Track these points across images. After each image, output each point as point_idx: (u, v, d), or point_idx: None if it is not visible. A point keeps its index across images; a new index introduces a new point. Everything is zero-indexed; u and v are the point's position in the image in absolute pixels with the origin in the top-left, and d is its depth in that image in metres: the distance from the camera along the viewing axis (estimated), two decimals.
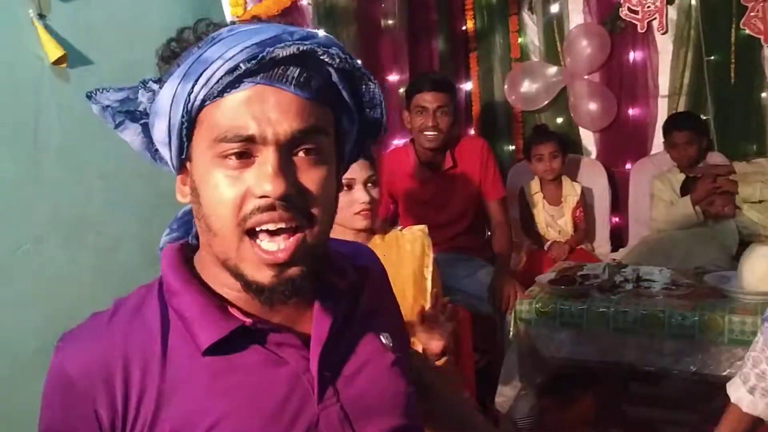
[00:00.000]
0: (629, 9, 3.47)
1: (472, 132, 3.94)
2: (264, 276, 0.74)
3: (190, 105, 0.73)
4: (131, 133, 0.83)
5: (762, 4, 3.25)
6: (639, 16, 3.47)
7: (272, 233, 0.73)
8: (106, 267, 1.98)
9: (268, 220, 0.73)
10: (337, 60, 0.75)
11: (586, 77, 3.66)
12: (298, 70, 0.73)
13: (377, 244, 1.73)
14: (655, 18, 3.45)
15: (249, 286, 0.76)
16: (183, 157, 0.78)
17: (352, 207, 1.65)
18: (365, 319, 0.90)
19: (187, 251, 0.85)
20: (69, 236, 1.88)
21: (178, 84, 0.74)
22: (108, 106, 0.81)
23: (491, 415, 2.89)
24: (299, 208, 0.74)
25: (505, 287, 2.58)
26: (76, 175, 1.91)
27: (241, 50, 0.71)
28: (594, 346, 2.29)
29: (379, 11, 2.98)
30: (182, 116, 0.74)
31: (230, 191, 0.73)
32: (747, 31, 3.29)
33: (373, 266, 0.99)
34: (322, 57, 0.74)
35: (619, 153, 3.68)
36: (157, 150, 0.81)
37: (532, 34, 3.85)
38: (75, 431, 0.76)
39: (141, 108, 0.80)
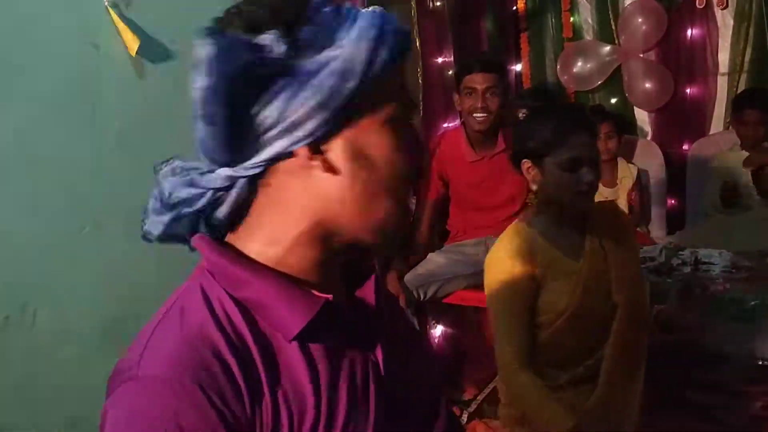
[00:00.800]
0: None
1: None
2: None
3: (382, 67, 0.71)
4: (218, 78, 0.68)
5: None
6: None
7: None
8: (163, 254, 2.02)
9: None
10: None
11: (641, 55, 3.58)
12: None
13: (596, 224, 1.73)
14: None
15: (389, 238, 0.80)
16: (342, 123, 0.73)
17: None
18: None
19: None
20: (128, 223, 1.92)
21: (373, 46, 0.70)
22: (226, 61, 0.68)
23: None
24: None
25: None
26: (135, 163, 1.94)
27: (400, 28, 0.74)
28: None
29: None
30: (377, 75, 0.71)
31: (404, 153, 0.77)
32: None
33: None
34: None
35: (676, 133, 3.59)
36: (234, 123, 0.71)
37: (585, 12, 3.78)
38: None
39: (275, 57, 0.69)
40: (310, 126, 0.70)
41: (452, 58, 3.07)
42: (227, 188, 0.75)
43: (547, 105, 1.64)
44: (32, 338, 1.69)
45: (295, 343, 0.73)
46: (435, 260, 2.83)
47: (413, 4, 2.80)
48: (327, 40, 0.71)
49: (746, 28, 3.34)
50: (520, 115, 2.96)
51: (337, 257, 0.79)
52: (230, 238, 0.80)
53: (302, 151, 0.71)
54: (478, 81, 2.70)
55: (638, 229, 3.28)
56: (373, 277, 0.85)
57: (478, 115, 2.72)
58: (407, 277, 2.71)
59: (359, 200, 0.75)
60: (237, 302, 0.74)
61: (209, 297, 0.74)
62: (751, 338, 2.10)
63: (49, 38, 1.76)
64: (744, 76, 3.38)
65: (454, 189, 2.95)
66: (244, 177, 0.73)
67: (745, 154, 3.11)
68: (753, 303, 2.08)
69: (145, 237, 0.81)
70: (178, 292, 0.78)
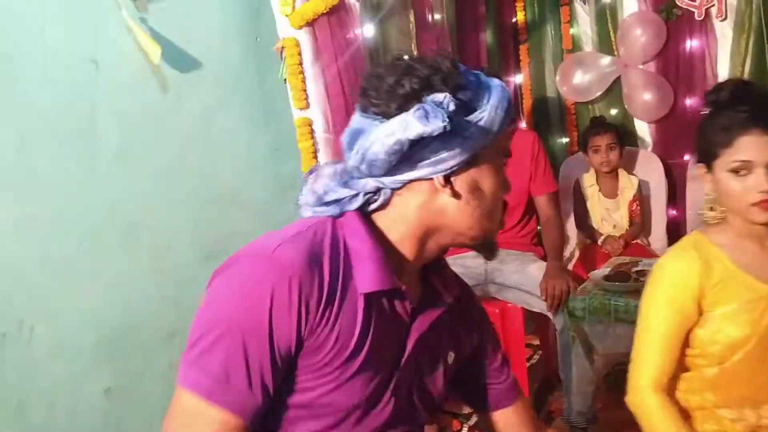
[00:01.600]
0: None
1: (523, 125, 3.90)
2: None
3: (501, 125, 1.00)
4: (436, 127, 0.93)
5: None
6: (696, 3, 3.36)
7: None
8: (161, 265, 2.03)
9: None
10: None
11: (641, 67, 3.57)
12: None
13: None
14: (714, 4, 3.33)
15: (485, 245, 1.08)
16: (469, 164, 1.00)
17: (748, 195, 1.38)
18: (447, 330, 1.13)
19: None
20: (126, 237, 1.93)
21: (496, 111, 0.98)
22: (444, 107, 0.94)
23: (546, 412, 2.86)
24: None
25: (557, 283, 2.53)
26: (132, 176, 1.96)
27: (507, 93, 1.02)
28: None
29: (426, 5, 2.96)
30: (498, 130, 1.00)
31: (505, 191, 1.07)
32: None
33: (466, 294, 1.23)
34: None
35: (676, 144, 3.57)
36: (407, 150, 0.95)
37: (584, 24, 3.78)
38: (281, 317, 0.91)
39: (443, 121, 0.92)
40: (451, 163, 0.97)
41: None
42: (374, 192, 1.01)
43: (730, 98, 1.41)
44: (29, 354, 1.69)
45: (363, 297, 0.97)
46: None
47: (411, 17, 2.80)
48: (476, 103, 0.98)
49: (745, 39, 3.33)
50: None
51: (428, 254, 1.06)
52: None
53: (439, 179, 0.98)
54: None
55: (638, 240, 3.27)
56: (430, 297, 1.10)
57: None
58: None
59: (470, 218, 1.02)
60: (347, 248, 0.98)
61: (336, 234, 0.99)
62: None
63: (48, 53, 1.77)
64: None
65: None
66: (388, 188, 1.00)
67: None
68: None
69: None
70: (308, 223, 1.00)
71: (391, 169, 0.97)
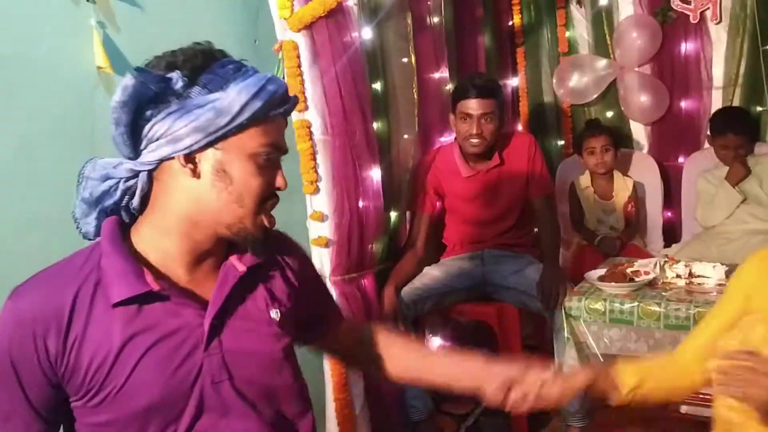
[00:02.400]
0: None
1: (519, 128, 3.92)
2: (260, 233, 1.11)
3: (254, 116, 1.03)
4: (127, 105, 1.01)
5: None
6: (691, 6, 3.41)
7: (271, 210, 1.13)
8: None
9: (273, 205, 1.13)
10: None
11: (636, 69, 3.60)
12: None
13: None
14: (708, 8, 3.38)
15: (246, 237, 1.10)
16: (209, 145, 1.04)
17: None
18: (261, 292, 1.16)
19: (120, 224, 1.10)
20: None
21: (250, 98, 1.02)
22: (137, 87, 0.99)
23: (542, 412, 2.88)
24: None
25: (553, 284, 2.56)
26: None
27: (284, 90, 1.08)
28: (646, 343, 2.26)
29: (424, 8, 2.98)
30: (245, 120, 1.03)
31: (263, 179, 1.09)
32: None
33: (286, 255, 1.26)
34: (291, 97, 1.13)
35: (671, 146, 3.61)
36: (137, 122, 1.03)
37: (580, 28, 3.82)
38: (23, 361, 1.01)
39: (175, 89, 1.01)
40: (188, 142, 1.02)
41: (448, 74, 3.09)
42: (133, 178, 1.06)
43: None
44: None
45: (118, 309, 1.02)
46: (431, 274, 2.84)
47: (409, 20, 2.82)
48: (219, 86, 1.02)
49: (740, 42, 3.36)
50: None
51: (201, 247, 1.10)
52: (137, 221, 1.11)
53: (180, 157, 1.03)
54: (473, 107, 2.70)
55: (634, 242, 3.30)
56: (224, 273, 1.12)
57: (473, 140, 2.74)
58: (404, 291, 2.72)
59: (217, 202, 1.06)
60: (100, 269, 1.04)
61: (91, 259, 1.06)
62: None
63: (50, 60, 1.79)
64: (738, 90, 3.40)
65: (449, 203, 2.97)
66: (142, 170, 1.05)
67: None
68: None
69: (86, 237, 1.12)
70: (71, 257, 1.09)
71: (134, 148, 1.04)
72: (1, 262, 1.69)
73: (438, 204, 2.98)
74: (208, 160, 1.05)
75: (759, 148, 3.22)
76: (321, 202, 2.35)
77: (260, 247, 1.13)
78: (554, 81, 3.80)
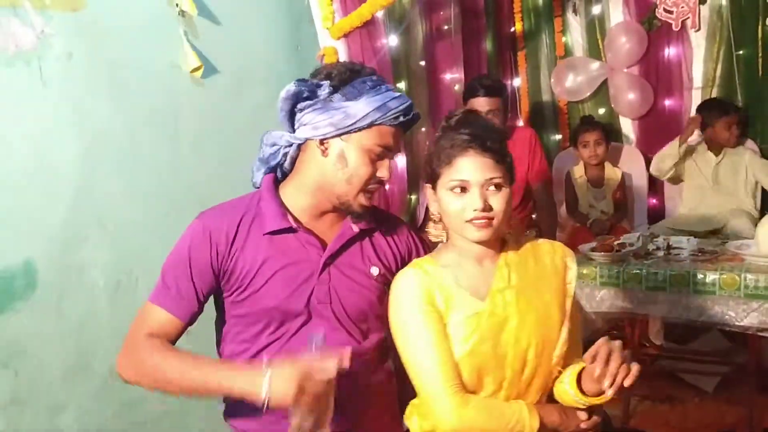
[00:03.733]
0: (664, 9, 3.81)
1: (521, 123, 4.33)
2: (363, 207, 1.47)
3: (372, 123, 1.38)
4: (287, 104, 1.43)
5: None
6: (674, 15, 3.81)
7: (373, 193, 1.48)
8: None
9: (375, 190, 1.47)
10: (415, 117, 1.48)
11: (625, 71, 4.02)
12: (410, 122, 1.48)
13: (509, 260, 1.46)
14: (689, 17, 3.79)
15: (347, 208, 1.45)
16: (338, 136, 1.40)
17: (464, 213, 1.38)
18: (367, 253, 1.51)
19: (275, 180, 1.50)
20: (200, 208, 2.35)
21: (372, 110, 1.38)
22: (296, 90, 1.39)
23: None
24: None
25: None
26: (204, 160, 2.37)
27: (404, 108, 1.41)
28: (629, 303, 2.66)
29: (438, 19, 3.40)
30: (365, 125, 1.39)
31: (369, 169, 1.43)
32: None
33: (394, 226, 1.59)
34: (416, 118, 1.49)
35: (655, 140, 3.99)
36: (291, 115, 1.43)
37: (575, 33, 4.22)
38: (202, 255, 1.41)
39: (317, 96, 1.39)
40: (324, 131, 1.39)
41: (459, 75, 3.50)
42: (289, 147, 1.45)
43: (456, 124, 1.45)
44: (135, 300, 2.11)
45: (266, 236, 1.42)
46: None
47: (425, 28, 3.24)
48: (354, 97, 1.38)
49: (716, 47, 3.78)
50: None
51: (323, 206, 1.46)
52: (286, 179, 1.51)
53: (316, 140, 1.41)
54: (481, 104, 3.10)
55: (622, 224, 3.72)
56: (343, 229, 1.48)
57: None
58: None
59: (334, 178, 1.42)
60: (258, 207, 1.44)
61: (254, 199, 1.46)
62: (711, 307, 2.51)
63: (147, 63, 2.19)
64: (715, 90, 3.81)
65: None
66: (294, 142, 1.44)
67: (712, 156, 3.56)
68: (713, 277, 2.50)
69: (255, 185, 1.53)
70: (242, 197, 1.50)
71: (291, 127, 1.44)
72: (113, 227, 2.09)
73: None
74: (335, 146, 1.41)
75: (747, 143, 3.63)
76: None
77: (359, 218, 1.47)
78: (552, 81, 4.21)
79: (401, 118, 1.41)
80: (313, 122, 1.40)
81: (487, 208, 1.36)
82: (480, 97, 3.10)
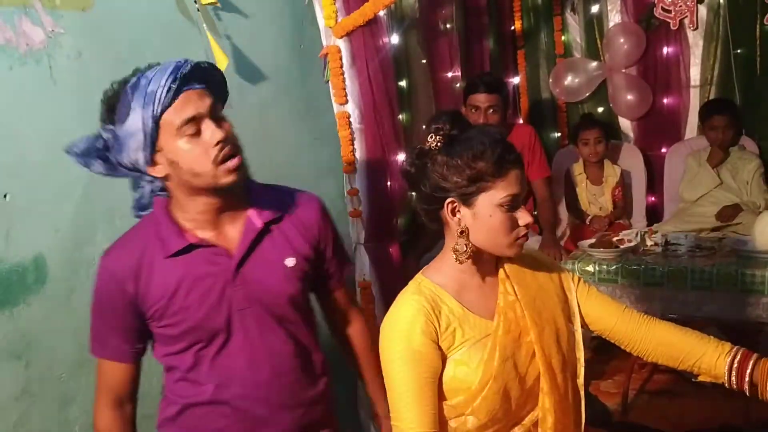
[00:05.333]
0: (662, 8, 3.86)
1: (520, 121, 4.37)
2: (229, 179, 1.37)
3: (155, 117, 1.30)
4: (98, 167, 1.39)
5: None
6: (671, 15, 3.86)
7: (229, 157, 1.36)
8: None
9: (227, 153, 1.36)
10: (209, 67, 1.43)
11: (624, 71, 4.06)
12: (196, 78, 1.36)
13: (509, 271, 1.42)
14: (686, 16, 3.84)
15: (228, 189, 1.37)
16: (154, 151, 1.34)
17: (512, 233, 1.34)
18: (279, 244, 1.46)
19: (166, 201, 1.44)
20: None
21: (142, 110, 1.29)
22: (80, 153, 1.37)
23: None
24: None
25: (550, 251, 3.02)
26: None
27: (166, 79, 1.30)
28: (628, 299, 2.71)
29: (440, 17, 3.43)
30: (152, 125, 1.31)
31: (196, 148, 1.34)
32: None
33: (302, 209, 1.53)
34: (204, 66, 1.41)
35: (654, 138, 4.06)
36: (116, 168, 1.38)
37: (574, 33, 4.28)
38: (114, 298, 1.40)
39: (104, 143, 1.35)
40: (141, 159, 1.34)
41: (459, 73, 3.54)
42: (152, 182, 1.43)
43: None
44: None
45: (170, 259, 1.38)
46: None
47: (423, 26, 3.27)
48: (125, 114, 1.32)
49: (714, 47, 3.84)
50: None
51: (213, 205, 1.39)
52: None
53: (148, 169, 1.36)
54: (481, 100, 3.16)
55: (620, 221, 3.76)
56: (246, 227, 1.44)
57: None
58: (424, 259, 3.17)
59: (187, 179, 1.35)
60: (157, 231, 1.41)
61: (153, 221, 1.43)
62: (708, 302, 2.55)
63: (153, 61, 2.22)
64: (713, 88, 3.87)
65: None
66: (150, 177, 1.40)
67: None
68: (710, 272, 2.54)
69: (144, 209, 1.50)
70: (144, 218, 1.48)
71: (134, 173, 1.40)
72: (119, 213, 2.12)
73: None
74: (160, 158, 1.37)
75: (743, 141, 3.65)
76: (357, 180, 2.78)
77: (233, 192, 1.40)
78: (551, 80, 4.26)
79: (173, 87, 1.30)
80: (131, 161, 1.35)
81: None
82: (480, 93, 3.15)
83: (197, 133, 1.33)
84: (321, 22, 2.67)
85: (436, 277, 1.39)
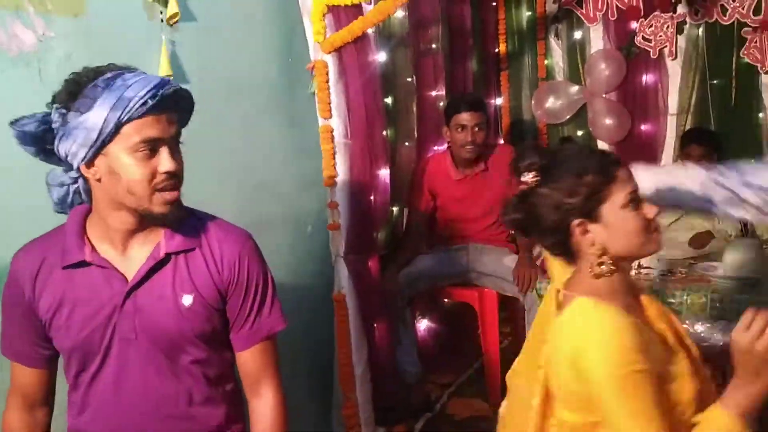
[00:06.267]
0: (643, 37, 3.96)
1: (501, 142, 4.43)
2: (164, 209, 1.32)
3: (118, 123, 1.24)
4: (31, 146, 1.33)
5: (760, 35, 3.73)
6: (652, 44, 3.97)
7: (170, 189, 1.31)
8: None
9: (169, 185, 1.31)
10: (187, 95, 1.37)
11: (604, 96, 4.15)
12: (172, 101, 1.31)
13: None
14: (666, 46, 3.95)
15: (154, 218, 1.32)
16: (98, 153, 1.27)
17: None
18: (180, 278, 1.37)
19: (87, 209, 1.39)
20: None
21: (109, 111, 1.23)
22: (25, 132, 1.29)
23: None
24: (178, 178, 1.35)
25: (527, 271, 3.06)
26: (198, 164, 2.40)
27: (147, 92, 1.24)
28: None
29: (426, 37, 3.49)
30: (112, 129, 1.24)
31: (144, 170, 1.28)
32: (746, 60, 3.80)
33: (223, 244, 1.42)
34: (183, 94, 1.35)
35: (632, 164, 4.11)
36: (46, 153, 1.32)
37: (557, 57, 4.37)
38: (15, 299, 1.38)
39: (54, 125, 1.27)
40: (79, 156, 1.26)
41: (444, 92, 3.59)
42: (75, 182, 1.35)
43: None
44: None
45: (67, 271, 1.34)
46: (424, 261, 3.33)
47: (413, 47, 3.33)
48: (88, 107, 1.23)
49: (692, 75, 3.95)
50: None
51: (129, 225, 1.33)
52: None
53: (82, 167, 1.29)
54: (466, 119, 3.20)
55: None
56: (152, 254, 1.36)
57: (468, 147, 3.23)
58: (402, 273, 3.21)
59: (116, 194, 1.29)
60: (63, 240, 1.36)
61: (57, 236, 1.38)
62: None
63: (141, 69, 2.24)
64: (690, 117, 3.98)
65: (441, 202, 3.45)
66: (75, 176, 1.34)
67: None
68: (681, 298, 2.60)
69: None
70: (60, 226, 1.41)
71: (60, 164, 1.33)
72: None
73: (431, 203, 3.46)
74: (100, 164, 1.29)
75: None
76: (338, 193, 2.81)
77: (171, 223, 1.35)
78: (533, 102, 4.34)
79: (150, 102, 1.24)
80: (68, 152, 1.27)
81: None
82: (465, 113, 3.19)
83: (150, 154, 1.27)
84: (310, 37, 2.71)
85: (602, 293, 1.33)
